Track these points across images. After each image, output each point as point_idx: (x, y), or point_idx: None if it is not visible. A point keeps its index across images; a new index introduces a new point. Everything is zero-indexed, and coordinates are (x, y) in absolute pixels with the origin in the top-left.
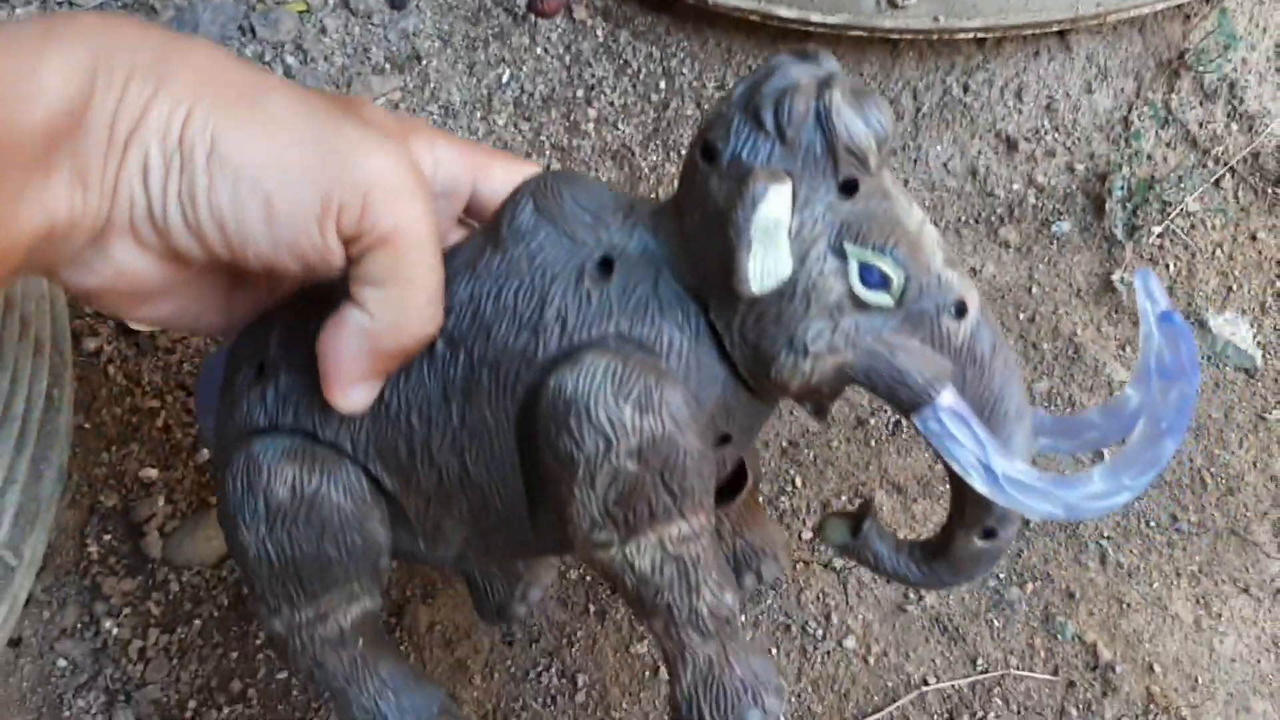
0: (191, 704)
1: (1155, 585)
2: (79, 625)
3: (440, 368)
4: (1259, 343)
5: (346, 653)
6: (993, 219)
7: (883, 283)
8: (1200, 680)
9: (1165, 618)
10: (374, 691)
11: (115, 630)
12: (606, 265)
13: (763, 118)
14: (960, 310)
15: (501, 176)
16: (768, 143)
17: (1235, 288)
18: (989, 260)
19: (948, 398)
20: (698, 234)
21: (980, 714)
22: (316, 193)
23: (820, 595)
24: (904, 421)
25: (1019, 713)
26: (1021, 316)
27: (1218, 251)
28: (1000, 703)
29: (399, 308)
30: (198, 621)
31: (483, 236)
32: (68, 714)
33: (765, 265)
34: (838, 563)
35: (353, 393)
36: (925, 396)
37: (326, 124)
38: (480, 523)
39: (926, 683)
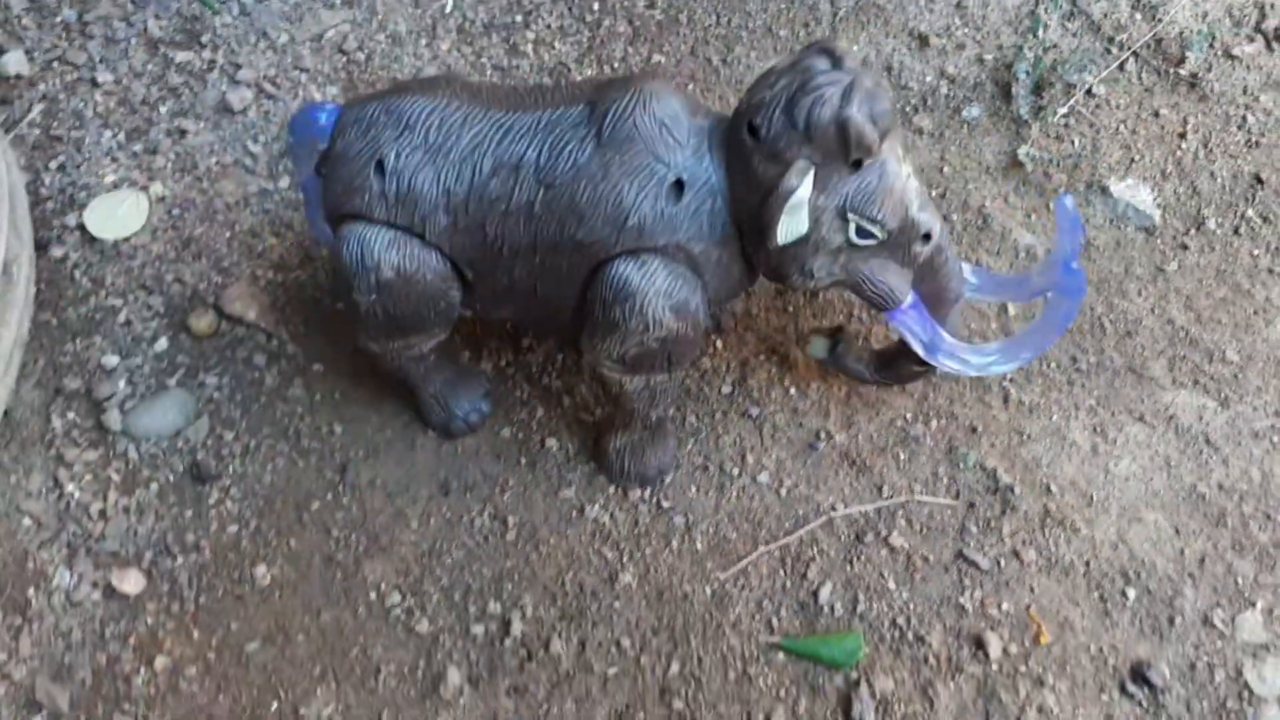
0: (148, 554)
1: (1055, 418)
2: (43, 489)
3: (536, 224)
4: (1159, 204)
5: (422, 364)
6: (907, 109)
7: (871, 235)
8: (1095, 497)
9: (1063, 445)
10: (438, 387)
11: (77, 494)
12: (679, 186)
13: (796, 120)
14: (927, 238)
15: None
16: (798, 137)
17: (1138, 158)
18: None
19: (908, 300)
20: (741, 189)
21: (885, 534)
22: None
23: (737, 439)
24: (820, 294)
25: (921, 532)
26: (934, 194)
27: (1121, 127)
28: (904, 523)
29: None
30: (155, 485)
31: (588, 113)
32: (32, 565)
33: (789, 228)
34: (754, 410)
35: None
36: (894, 302)
37: None
38: (530, 313)
39: (835, 509)
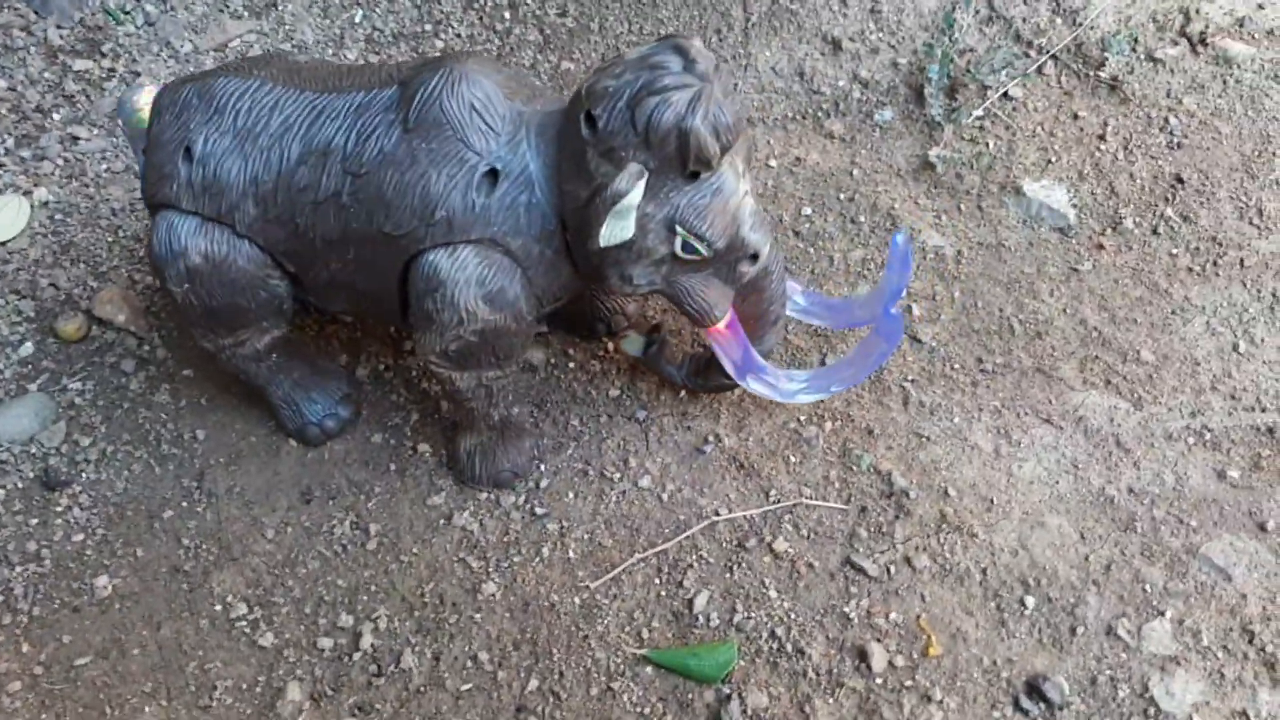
0: None
1: (956, 420)
2: None
3: (345, 215)
4: (1075, 205)
5: (264, 364)
6: (819, 113)
7: (696, 252)
8: (996, 501)
9: (964, 448)
10: (288, 389)
11: None
12: (492, 176)
13: (636, 121)
14: (754, 258)
15: None
16: (636, 139)
17: (1055, 160)
18: (813, 150)
19: (723, 321)
20: (570, 178)
21: (769, 539)
22: None
23: (621, 443)
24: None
25: (808, 537)
26: (842, 196)
27: (1038, 130)
28: (790, 529)
29: None
30: (1, 491)
31: (398, 96)
32: None
33: (613, 232)
34: (641, 414)
35: None
36: (710, 320)
37: None
38: (361, 305)
39: (718, 514)
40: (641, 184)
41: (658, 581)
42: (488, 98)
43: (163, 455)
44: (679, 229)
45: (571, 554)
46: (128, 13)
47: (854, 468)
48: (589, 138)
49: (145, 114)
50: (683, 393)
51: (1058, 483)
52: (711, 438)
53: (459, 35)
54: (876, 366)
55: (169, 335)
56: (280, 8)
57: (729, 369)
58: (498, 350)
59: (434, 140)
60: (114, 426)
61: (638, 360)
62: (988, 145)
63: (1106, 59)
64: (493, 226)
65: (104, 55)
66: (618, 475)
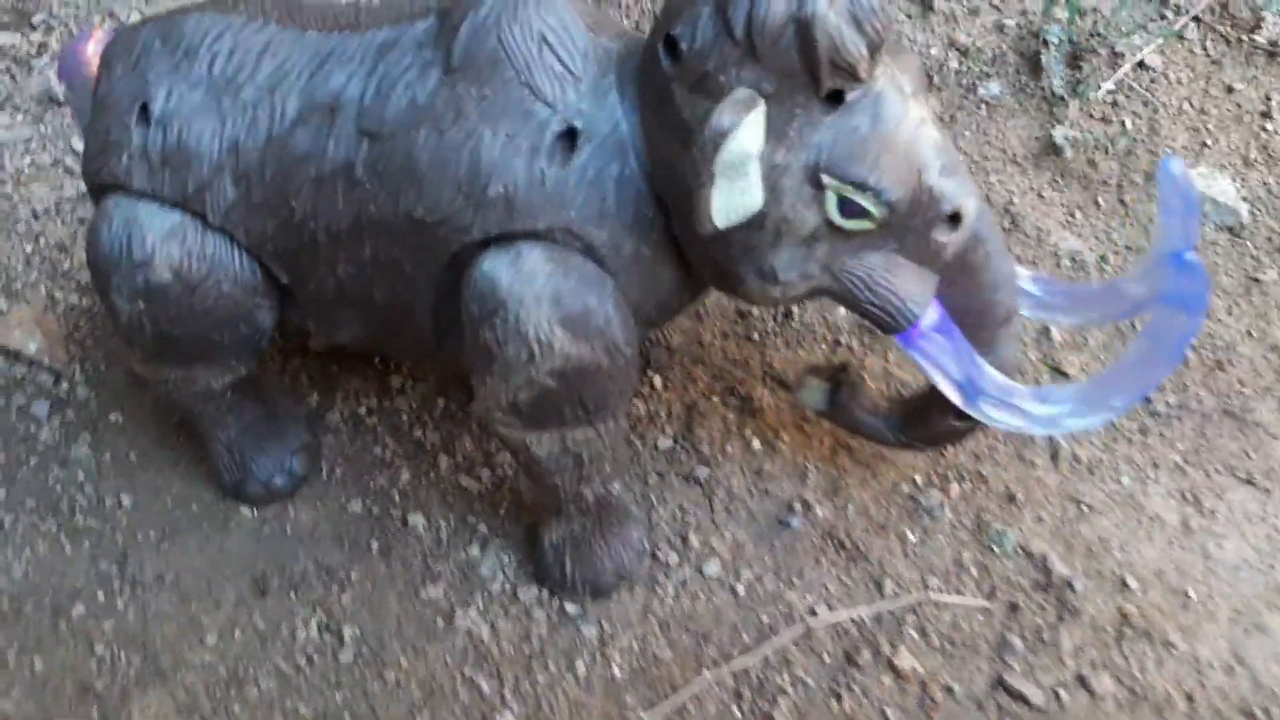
0: None
1: (1125, 481)
2: None
3: (359, 194)
4: (1245, 198)
5: (212, 405)
6: None
7: (863, 213)
8: (1193, 595)
9: (1140, 519)
10: (235, 435)
11: None
12: (570, 137)
13: (732, 23)
14: (954, 220)
15: None
16: (736, 51)
17: (1211, 143)
18: None
19: (930, 317)
20: (659, 138)
21: (887, 651)
22: None
23: (678, 513)
24: (796, 310)
25: (942, 648)
26: None
27: (1185, 105)
28: (915, 635)
29: None
30: None
31: (436, 28)
32: None
33: (731, 201)
34: (702, 472)
35: None
36: (905, 321)
37: None
38: (380, 331)
39: (814, 613)
40: (757, 117)
41: (737, 713)
42: (564, 28)
43: (76, 529)
44: (828, 180)
45: (616, 670)
46: None
47: (994, 548)
48: (670, 69)
49: (94, 68)
50: (755, 442)
51: (1274, 567)
52: (798, 505)
53: None
54: (1180, 356)
55: (93, 370)
56: None
57: (951, 394)
58: (586, 398)
59: (488, 85)
60: (16, 490)
61: (824, 415)
62: (1124, 124)
63: (1263, 19)
64: (569, 210)
65: (34, 28)
66: (675, 558)
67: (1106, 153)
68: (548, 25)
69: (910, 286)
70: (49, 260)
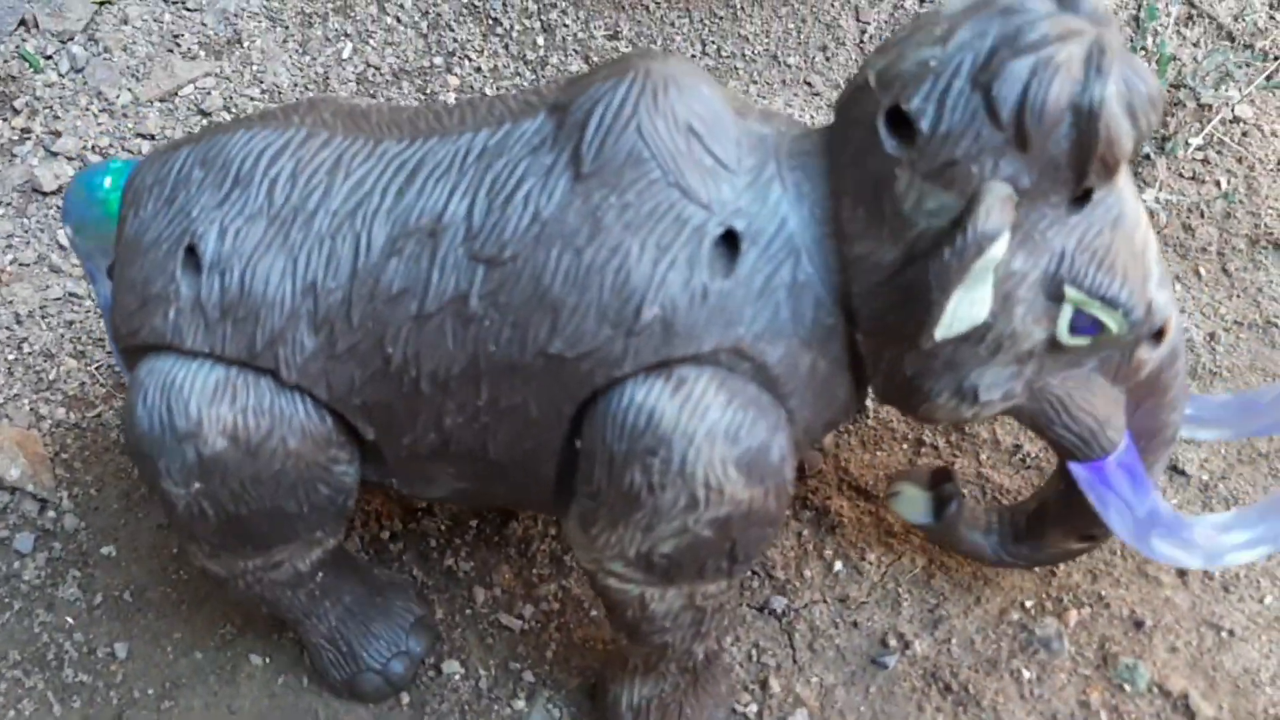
0: None
1: (1268, 600)
2: None
3: (473, 334)
4: None
5: (304, 589)
6: None
7: (1093, 328)
8: None
9: None
10: (335, 622)
11: None
12: (730, 240)
13: (999, 104)
14: (1158, 337)
15: None
16: (998, 137)
17: None
18: None
19: (1121, 448)
20: (861, 232)
21: None
22: None
23: (753, 653)
24: (869, 406)
25: None
26: None
27: None
28: None
29: None
30: None
31: (554, 127)
32: None
33: (959, 311)
34: (778, 603)
35: None
36: (1101, 449)
37: None
38: (485, 486)
39: None
40: (1008, 217)
41: None
42: (713, 115)
43: (64, 685)
44: (1070, 291)
45: None
46: (49, 58)
47: (1125, 685)
48: (898, 153)
49: (115, 202)
50: (837, 564)
51: None
52: (893, 639)
53: (479, 69)
54: None
55: (83, 495)
56: (245, 44)
57: (1120, 527)
58: (739, 549)
59: (630, 190)
60: None
61: (921, 529)
62: (1218, 184)
63: None
64: (737, 327)
65: (16, 112)
66: (754, 708)
67: (1203, 216)
68: (694, 113)
69: (1107, 409)
70: (33, 370)
